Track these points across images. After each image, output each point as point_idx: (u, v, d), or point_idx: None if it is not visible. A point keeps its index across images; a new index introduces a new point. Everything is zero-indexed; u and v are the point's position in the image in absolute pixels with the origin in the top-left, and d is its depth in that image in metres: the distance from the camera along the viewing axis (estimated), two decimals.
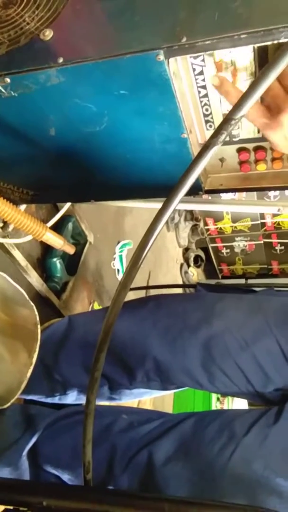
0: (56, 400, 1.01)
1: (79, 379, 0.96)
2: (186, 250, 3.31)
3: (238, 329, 0.85)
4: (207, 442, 0.75)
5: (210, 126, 0.69)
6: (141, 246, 0.38)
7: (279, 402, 0.80)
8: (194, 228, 3.17)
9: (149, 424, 0.85)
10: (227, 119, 0.32)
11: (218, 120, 0.67)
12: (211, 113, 0.67)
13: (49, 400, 1.02)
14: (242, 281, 3.30)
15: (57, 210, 1.29)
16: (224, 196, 1.15)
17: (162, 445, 0.77)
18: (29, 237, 1.13)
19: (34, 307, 0.84)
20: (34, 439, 0.87)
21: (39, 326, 0.85)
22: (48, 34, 0.60)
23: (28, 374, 0.82)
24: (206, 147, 0.32)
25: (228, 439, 0.73)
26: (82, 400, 1.01)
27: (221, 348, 0.85)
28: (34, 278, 1.19)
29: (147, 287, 1.81)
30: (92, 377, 0.46)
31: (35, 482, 0.70)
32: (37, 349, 0.84)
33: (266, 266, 3.49)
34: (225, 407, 1.83)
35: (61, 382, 0.98)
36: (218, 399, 1.37)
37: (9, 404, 0.78)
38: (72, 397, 1.00)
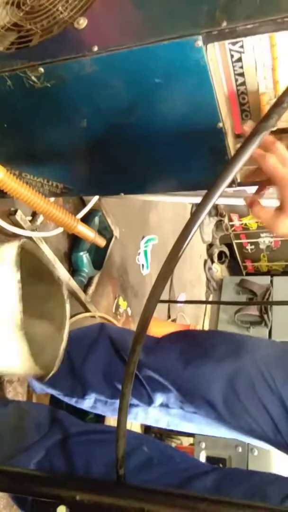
0: (72, 402, 1.01)
1: (99, 387, 0.96)
2: (210, 246, 3.28)
3: (268, 368, 0.81)
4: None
5: (246, 115, 0.67)
6: (183, 236, 0.37)
7: None
8: (218, 224, 3.13)
9: (169, 466, 0.80)
10: (279, 101, 0.30)
11: (255, 109, 0.65)
12: (247, 102, 0.65)
13: (66, 399, 1.01)
14: (267, 278, 3.24)
15: (84, 204, 1.29)
16: (250, 190, 1.12)
17: None
18: (57, 231, 1.14)
19: (64, 286, 0.86)
20: (48, 449, 0.84)
21: (68, 304, 0.87)
22: (82, 22, 0.59)
23: (61, 350, 0.84)
24: (255, 132, 0.30)
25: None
26: (98, 409, 1.00)
27: (247, 385, 0.80)
28: (61, 272, 1.19)
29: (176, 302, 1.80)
30: (128, 371, 0.46)
31: (68, 476, 0.70)
32: (67, 326, 0.86)
33: None
34: None
35: (82, 385, 0.98)
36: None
37: (49, 377, 0.80)
38: (89, 403, 1.00)
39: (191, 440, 1.57)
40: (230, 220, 3.18)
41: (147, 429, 1.49)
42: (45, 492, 0.50)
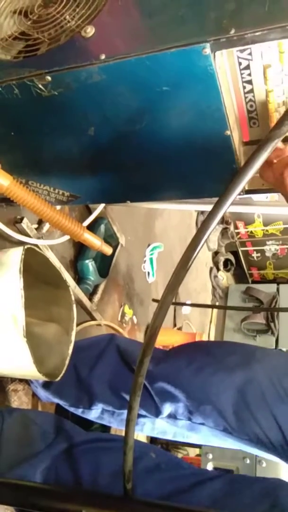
0: (79, 412, 1.00)
1: (106, 398, 0.95)
2: (215, 253, 3.26)
3: (278, 378, 0.80)
4: (246, 504, 0.70)
5: (254, 123, 0.66)
6: (192, 246, 0.36)
7: None
8: (224, 232, 3.11)
9: (177, 472, 0.80)
10: None
11: (263, 117, 0.64)
12: (255, 110, 0.64)
13: (72, 409, 1.00)
14: (274, 286, 3.21)
15: (90, 212, 1.29)
16: (256, 197, 1.12)
17: (189, 500, 0.72)
18: (63, 239, 1.14)
19: (70, 288, 0.88)
20: (54, 459, 0.83)
21: (74, 306, 0.89)
22: (90, 31, 0.59)
23: (69, 351, 0.86)
24: (267, 139, 0.30)
25: (271, 506, 0.68)
26: (104, 419, 0.99)
27: (257, 394, 0.80)
28: (67, 281, 1.18)
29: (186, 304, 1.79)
30: (136, 382, 0.45)
31: (74, 490, 0.69)
32: (74, 328, 0.88)
33: None
34: None
35: (88, 396, 0.97)
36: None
37: (59, 377, 0.82)
38: (96, 414, 0.99)
39: (197, 451, 1.55)
40: (236, 227, 3.17)
41: (153, 440, 1.47)
42: (51, 506, 0.49)
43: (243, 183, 0.32)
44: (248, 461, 1.29)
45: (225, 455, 1.32)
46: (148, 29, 0.57)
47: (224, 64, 0.57)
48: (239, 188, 0.31)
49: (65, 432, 0.92)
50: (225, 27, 0.50)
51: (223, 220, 3.00)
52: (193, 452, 1.70)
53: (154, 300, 1.47)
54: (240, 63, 0.57)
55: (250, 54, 0.56)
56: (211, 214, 0.35)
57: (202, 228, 0.34)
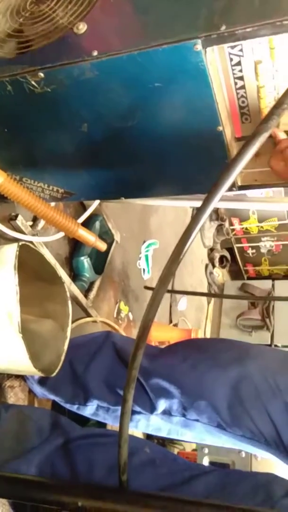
0: (74, 408, 1.01)
1: (102, 394, 0.95)
2: (211, 250, 3.27)
3: (272, 374, 0.81)
4: (239, 497, 0.71)
5: (246, 119, 0.67)
6: (183, 240, 0.36)
7: None
8: (219, 228, 3.12)
9: (172, 467, 0.80)
10: (280, 102, 0.30)
11: (255, 112, 0.65)
12: (247, 105, 0.65)
13: (68, 406, 1.01)
14: (269, 282, 3.23)
15: (85, 209, 1.29)
16: (250, 194, 1.12)
17: (184, 494, 0.73)
18: (58, 236, 1.14)
19: (66, 285, 0.89)
20: (49, 453, 0.84)
21: (69, 302, 0.89)
22: (82, 27, 0.59)
23: (65, 347, 0.87)
24: (256, 133, 0.30)
25: (265, 498, 0.69)
26: (99, 416, 1.00)
27: (251, 391, 0.81)
28: (62, 277, 1.18)
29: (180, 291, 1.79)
30: (130, 376, 0.45)
31: (70, 482, 0.70)
32: (70, 323, 0.89)
33: None
34: None
35: (84, 392, 0.97)
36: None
37: (55, 373, 0.83)
38: (91, 410, 0.99)
39: (193, 445, 1.56)
40: (231, 224, 3.18)
41: (149, 436, 1.48)
42: (47, 498, 0.49)
43: (232, 177, 0.33)
44: (243, 455, 1.30)
45: (221, 450, 1.33)
46: (140, 25, 0.57)
47: (215, 60, 0.57)
48: (228, 183, 0.32)
49: (61, 428, 0.93)
50: (216, 24, 0.51)
51: (218, 217, 3.00)
52: (189, 447, 1.71)
53: (146, 287, 1.47)
54: (231, 59, 0.58)
55: (241, 50, 0.57)
56: (201, 208, 0.35)
57: (191, 225, 0.34)
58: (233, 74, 0.60)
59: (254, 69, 0.58)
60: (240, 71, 0.60)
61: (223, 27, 0.50)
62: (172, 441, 1.72)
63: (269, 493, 0.70)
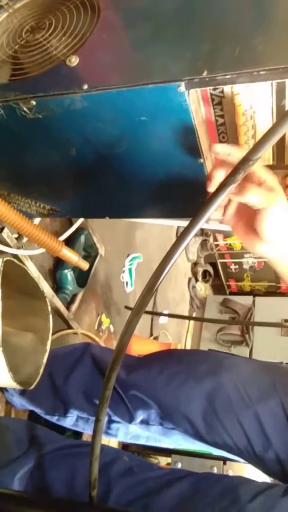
0: (54, 419, 1.02)
1: (81, 405, 0.97)
2: (194, 264, 3.32)
3: (244, 385, 0.85)
4: (207, 502, 0.73)
5: None
6: (157, 273, 0.39)
7: (279, 476, 0.78)
8: (203, 243, 3.18)
9: (149, 473, 0.83)
10: (246, 159, 0.34)
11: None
12: (227, 140, 0.69)
13: (48, 417, 1.03)
14: (250, 298, 3.29)
15: (71, 222, 1.32)
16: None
17: (159, 500, 0.75)
18: (43, 249, 1.16)
19: (47, 299, 0.91)
20: (30, 464, 0.86)
21: (51, 316, 0.91)
22: (74, 60, 0.62)
23: (44, 360, 0.88)
24: (223, 185, 0.34)
25: (231, 503, 0.71)
26: (79, 426, 1.02)
27: (224, 401, 0.84)
28: (45, 289, 1.20)
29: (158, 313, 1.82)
30: (103, 396, 0.48)
31: (39, 496, 0.71)
32: (50, 337, 0.91)
33: (274, 284, 3.48)
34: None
35: (64, 404, 0.99)
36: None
37: (33, 385, 0.84)
38: (71, 421, 1.01)
39: (168, 459, 1.58)
40: (215, 239, 3.24)
41: (125, 447, 1.50)
42: (15, 511, 0.51)
43: (200, 224, 0.36)
44: (215, 470, 1.33)
45: (194, 464, 1.36)
46: (129, 63, 0.61)
47: (198, 99, 0.61)
48: (196, 228, 0.35)
49: (40, 439, 0.94)
50: (198, 69, 0.54)
51: (202, 232, 3.06)
52: (164, 461, 1.73)
53: (126, 307, 1.50)
54: (213, 100, 0.62)
55: (222, 92, 0.60)
56: (168, 255, 0.39)
57: (162, 263, 0.37)
58: (215, 112, 0.64)
59: (234, 109, 0.62)
60: (221, 110, 0.63)
61: (205, 73, 0.54)
62: (148, 454, 1.74)
63: (236, 497, 0.72)
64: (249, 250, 0.64)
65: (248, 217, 0.61)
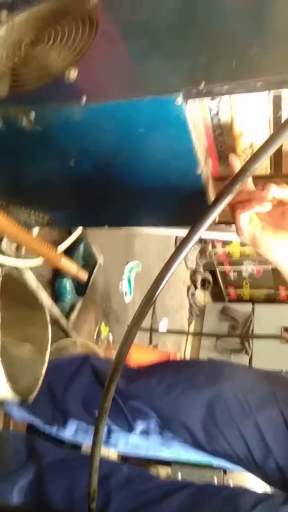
0: (53, 430, 1.02)
1: (80, 416, 0.97)
2: (193, 272, 3.32)
3: (243, 394, 0.85)
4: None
5: (224, 161, 0.71)
6: (156, 283, 0.40)
7: (279, 485, 0.78)
8: (202, 251, 3.18)
9: (148, 484, 0.83)
10: (243, 170, 0.34)
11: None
12: (225, 149, 0.69)
13: (46, 428, 1.02)
14: (249, 305, 3.28)
15: (69, 231, 1.32)
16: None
17: (159, 511, 0.75)
18: (42, 259, 1.16)
19: (46, 310, 0.90)
20: (29, 477, 0.85)
21: (49, 327, 0.91)
22: (73, 73, 0.63)
23: (43, 371, 0.88)
24: (221, 195, 0.34)
25: None
26: (78, 437, 1.02)
27: (224, 410, 0.84)
28: (44, 299, 1.20)
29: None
30: (102, 407, 0.48)
31: (38, 508, 0.70)
32: (49, 348, 0.91)
33: (273, 291, 3.48)
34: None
35: (63, 414, 0.99)
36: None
37: (32, 396, 0.84)
38: (70, 432, 1.01)
39: (168, 470, 1.57)
40: (214, 247, 3.25)
41: (124, 458, 1.48)
42: None
43: (201, 231, 0.36)
44: (216, 480, 1.32)
45: (194, 474, 1.35)
46: (127, 75, 0.61)
47: (196, 110, 0.62)
48: (195, 238, 0.35)
49: (38, 451, 0.94)
50: (196, 80, 0.55)
51: (201, 240, 3.06)
52: (164, 472, 1.72)
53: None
54: (210, 110, 0.63)
55: (219, 102, 0.61)
56: (167, 265, 0.39)
57: (161, 273, 0.37)
58: (212, 122, 0.65)
59: (231, 120, 0.63)
60: (219, 120, 0.64)
61: (202, 84, 0.54)
62: (147, 465, 1.72)
63: (236, 507, 0.72)
64: (270, 254, 0.64)
65: (274, 221, 0.63)
